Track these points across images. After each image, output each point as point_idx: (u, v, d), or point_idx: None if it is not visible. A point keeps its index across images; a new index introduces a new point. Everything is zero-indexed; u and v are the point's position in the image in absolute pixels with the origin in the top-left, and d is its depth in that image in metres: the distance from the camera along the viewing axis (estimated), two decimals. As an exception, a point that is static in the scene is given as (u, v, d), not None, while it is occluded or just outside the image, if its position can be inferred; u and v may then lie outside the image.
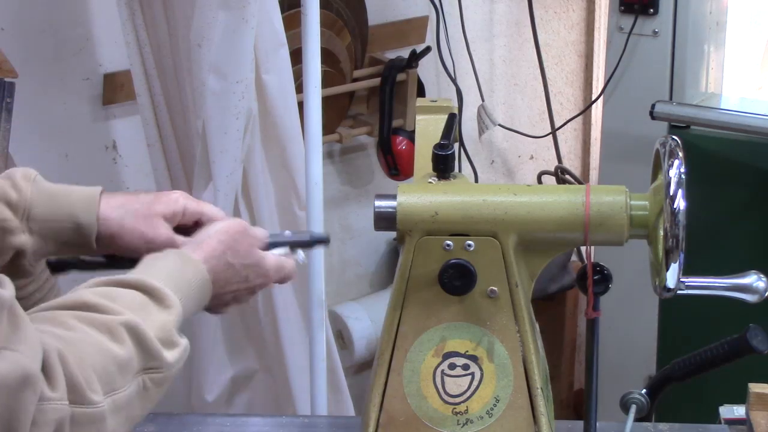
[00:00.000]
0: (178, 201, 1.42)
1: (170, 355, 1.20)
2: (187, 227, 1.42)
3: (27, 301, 1.39)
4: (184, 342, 1.24)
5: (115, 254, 1.42)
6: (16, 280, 1.19)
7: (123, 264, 1.41)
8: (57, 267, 1.44)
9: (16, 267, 1.36)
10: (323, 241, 1.54)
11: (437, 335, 1.45)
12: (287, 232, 1.52)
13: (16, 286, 1.07)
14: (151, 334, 1.18)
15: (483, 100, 3.29)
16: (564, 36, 3.54)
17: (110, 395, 1.13)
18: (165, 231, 1.39)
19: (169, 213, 1.40)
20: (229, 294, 1.38)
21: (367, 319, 3.09)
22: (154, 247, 1.36)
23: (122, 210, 1.38)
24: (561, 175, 3.46)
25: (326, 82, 2.53)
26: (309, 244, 1.52)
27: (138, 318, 1.18)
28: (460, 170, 2.49)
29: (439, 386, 1.45)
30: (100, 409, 1.11)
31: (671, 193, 1.36)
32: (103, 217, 1.37)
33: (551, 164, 3.51)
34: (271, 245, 1.46)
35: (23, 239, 1.34)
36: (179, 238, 1.39)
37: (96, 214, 1.36)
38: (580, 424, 1.51)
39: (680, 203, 1.36)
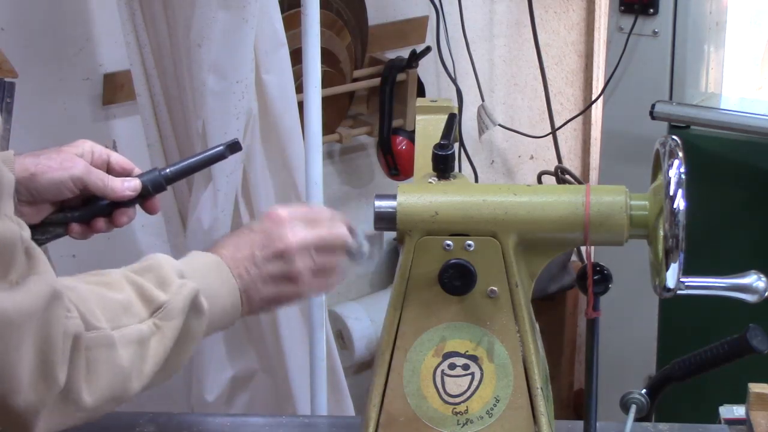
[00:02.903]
0: (85, 142, 1.46)
1: (169, 292, 1.27)
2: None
3: None
4: (182, 282, 1.29)
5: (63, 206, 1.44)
6: None
7: (54, 223, 1.44)
8: None
9: None
10: (235, 147, 1.51)
11: (437, 335, 1.45)
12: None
13: None
14: (148, 283, 1.26)
15: (483, 100, 3.29)
16: (564, 36, 3.54)
17: (117, 329, 1.20)
18: (81, 161, 1.43)
19: (78, 152, 1.44)
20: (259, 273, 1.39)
21: (367, 319, 3.09)
22: (76, 174, 1.40)
23: (35, 155, 1.41)
24: (561, 175, 3.46)
25: (326, 82, 2.53)
26: (222, 155, 1.51)
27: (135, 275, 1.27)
28: (460, 170, 2.49)
29: (439, 386, 1.45)
30: (106, 333, 1.18)
31: (671, 193, 1.36)
32: (18, 161, 1.39)
33: (551, 164, 3.51)
34: (177, 173, 1.49)
35: None
36: (97, 170, 1.43)
37: (12, 159, 1.38)
38: (580, 424, 1.51)
39: (680, 203, 1.36)
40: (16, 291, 1.06)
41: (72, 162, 1.42)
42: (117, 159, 1.47)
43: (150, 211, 1.49)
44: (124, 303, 1.23)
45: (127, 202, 1.46)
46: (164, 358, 1.26)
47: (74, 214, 1.45)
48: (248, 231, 1.42)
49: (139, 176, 1.48)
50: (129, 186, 1.45)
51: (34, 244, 1.10)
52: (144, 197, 1.47)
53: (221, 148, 1.51)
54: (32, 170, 1.39)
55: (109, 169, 1.46)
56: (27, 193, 1.39)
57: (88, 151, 1.45)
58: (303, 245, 1.40)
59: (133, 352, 1.21)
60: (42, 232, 1.44)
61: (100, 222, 1.46)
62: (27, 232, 1.09)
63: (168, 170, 1.49)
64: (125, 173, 1.47)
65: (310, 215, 1.44)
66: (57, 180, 1.40)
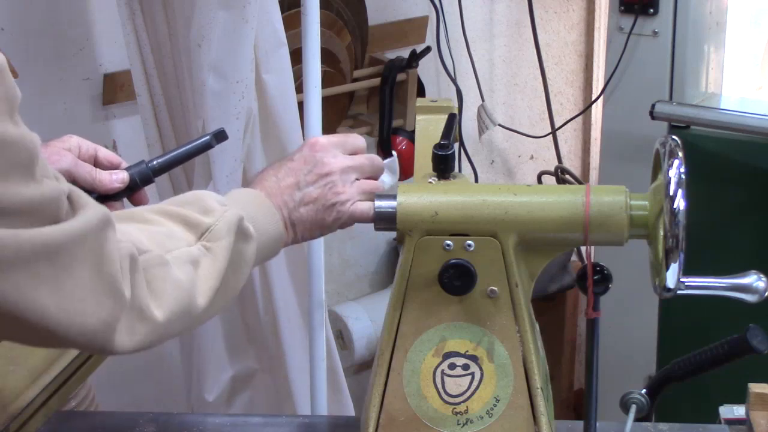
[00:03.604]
0: (72, 137, 1.47)
1: (213, 216, 1.30)
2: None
3: None
4: (225, 208, 1.32)
5: None
6: None
7: None
8: None
9: None
10: (221, 136, 1.52)
11: (437, 335, 1.45)
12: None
13: None
14: (192, 212, 1.30)
15: (483, 100, 3.29)
16: (564, 36, 3.54)
17: (168, 252, 1.24)
18: (69, 155, 1.44)
19: (66, 146, 1.45)
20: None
21: (367, 319, 3.09)
22: (63, 167, 1.42)
23: None
24: (561, 175, 3.46)
25: (326, 82, 2.53)
26: (208, 144, 1.51)
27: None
28: (460, 170, 2.49)
29: (439, 386, 1.45)
30: (158, 253, 1.21)
31: (671, 193, 1.36)
32: None
33: (551, 164, 3.51)
34: (165, 165, 1.51)
35: None
36: (85, 163, 1.44)
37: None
38: (580, 424, 1.51)
39: (680, 203, 1.36)
40: (68, 223, 1.09)
41: (59, 155, 1.43)
42: (104, 154, 1.49)
43: (138, 204, 1.51)
44: (167, 233, 1.27)
45: (115, 195, 1.48)
46: (220, 278, 1.28)
47: None
48: (288, 161, 1.46)
49: (127, 169, 1.49)
50: (117, 178, 1.47)
51: (76, 190, 1.13)
52: (132, 190, 1.49)
53: (207, 137, 1.52)
54: None
55: (97, 164, 1.48)
56: None
57: (75, 146, 1.46)
58: (344, 168, 1.46)
59: (188, 270, 1.25)
60: None
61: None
62: (65, 184, 1.11)
63: (155, 162, 1.50)
64: (112, 167, 1.48)
65: (349, 143, 1.50)
66: None
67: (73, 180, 1.43)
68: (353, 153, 1.49)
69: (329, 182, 1.45)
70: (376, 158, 1.52)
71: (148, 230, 1.26)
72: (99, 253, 1.12)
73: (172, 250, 1.25)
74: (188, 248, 1.27)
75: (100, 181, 1.45)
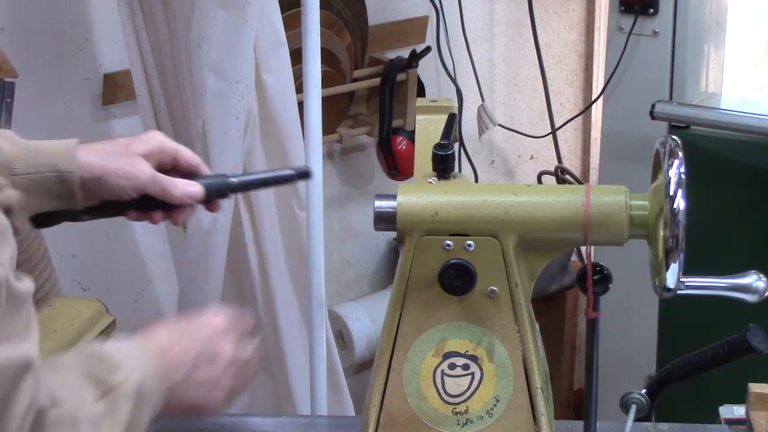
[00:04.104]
0: (155, 137, 1.44)
1: (120, 373, 1.21)
2: (167, 168, 1.44)
3: None
4: (132, 367, 1.24)
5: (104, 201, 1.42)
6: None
7: (112, 209, 1.43)
8: (47, 217, 1.42)
9: None
10: (305, 174, 1.51)
11: (437, 335, 1.45)
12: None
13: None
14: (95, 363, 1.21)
15: (483, 100, 3.29)
16: (564, 36, 3.54)
17: (75, 407, 1.14)
18: (147, 168, 1.41)
19: (148, 151, 1.42)
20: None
21: (367, 319, 3.09)
22: (139, 184, 1.39)
23: (102, 153, 1.40)
24: (561, 175, 3.46)
25: (326, 82, 2.53)
26: (290, 178, 1.50)
27: None
28: (460, 170, 2.49)
29: (439, 386, 1.45)
30: (69, 412, 1.12)
31: (671, 193, 1.36)
32: (84, 162, 1.38)
33: (551, 164, 3.51)
34: (242, 185, 1.48)
35: (9, 194, 1.31)
36: (162, 176, 1.41)
37: (76, 160, 1.37)
38: (580, 424, 1.51)
39: (680, 203, 1.36)
40: None
41: (138, 170, 1.40)
42: (186, 157, 1.45)
43: (210, 210, 1.49)
44: (75, 385, 1.17)
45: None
46: None
47: (133, 201, 1.43)
48: (187, 327, 1.39)
49: (204, 179, 1.45)
50: (190, 194, 1.43)
51: (23, 295, 1.05)
52: (205, 201, 1.46)
53: (291, 172, 1.50)
54: (97, 174, 1.38)
55: (177, 166, 1.44)
56: (88, 192, 1.38)
57: (157, 148, 1.43)
58: (232, 361, 1.39)
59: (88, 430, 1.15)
60: (100, 211, 1.43)
61: (158, 215, 1.45)
62: (23, 284, 1.04)
63: (235, 180, 1.47)
64: (192, 170, 1.45)
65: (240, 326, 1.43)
66: (119, 187, 1.39)
67: (145, 191, 1.41)
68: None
69: (217, 375, 1.38)
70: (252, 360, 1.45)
71: (58, 378, 1.16)
72: (2, 402, 1.03)
73: (78, 406, 1.14)
74: (91, 406, 1.17)
75: (173, 196, 1.42)
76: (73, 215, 1.44)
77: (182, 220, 1.47)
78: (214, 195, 1.46)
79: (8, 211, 1.30)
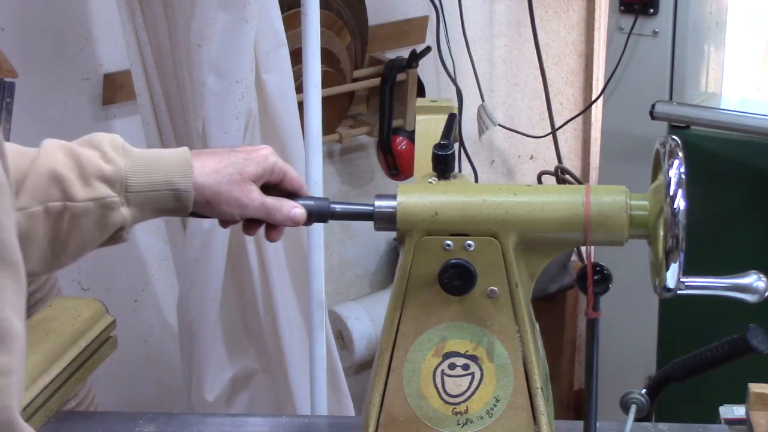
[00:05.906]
0: (268, 159, 1.43)
1: None
2: (271, 185, 1.45)
3: (27, 301, 1.39)
4: None
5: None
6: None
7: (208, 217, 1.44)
8: None
9: (113, 239, 1.36)
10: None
11: (437, 335, 1.45)
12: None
13: None
14: None
15: (483, 100, 3.29)
16: (564, 36, 3.54)
17: None
18: (257, 196, 1.41)
19: (260, 173, 1.42)
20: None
21: (367, 319, 3.09)
22: (247, 212, 1.40)
23: (217, 176, 1.39)
24: (561, 175, 3.46)
25: (326, 82, 2.53)
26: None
27: None
28: (460, 170, 2.49)
29: (439, 386, 1.45)
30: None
31: (671, 193, 1.36)
32: (199, 184, 1.37)
33: (551, 164, 3.51)
34: (343, 214, 1.48)
35: (124, 213, 1.33)
36: (269, 201, 1.42)
37: (192, 179, 1.37)
38: (580, 424, 1.51)
39: (680, 203, 1.36)
40: None
41: (249, 199, 1.40)
42: (291, 178, 1.45)
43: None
44: None
45: None
46: None
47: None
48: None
49: (307, 201, 1.46)
50: (293, 218, 1.43)
51: (15, 328, 0.96)
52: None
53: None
54: (209, 199, 1.38)
55: (281, 184, 1.45)
56: (197, 208, 1.39)
57: (267, 172, 1.43)
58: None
59: None
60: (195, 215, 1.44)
61: (254, 228, 1.46)
62: (15, 321, 0.95)
63: (337, 207, 1.47)
64: (294, 191, 1.46)
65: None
66: (228, 213, 1.40)
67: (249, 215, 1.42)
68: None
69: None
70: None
71: None
72: None
73: None
74: None
75: (276, 220, 1.43)
76: None
77: (276, 239, 1.48)
78: (315, 219, 1.47)
79: (120, 228, 1.31)
